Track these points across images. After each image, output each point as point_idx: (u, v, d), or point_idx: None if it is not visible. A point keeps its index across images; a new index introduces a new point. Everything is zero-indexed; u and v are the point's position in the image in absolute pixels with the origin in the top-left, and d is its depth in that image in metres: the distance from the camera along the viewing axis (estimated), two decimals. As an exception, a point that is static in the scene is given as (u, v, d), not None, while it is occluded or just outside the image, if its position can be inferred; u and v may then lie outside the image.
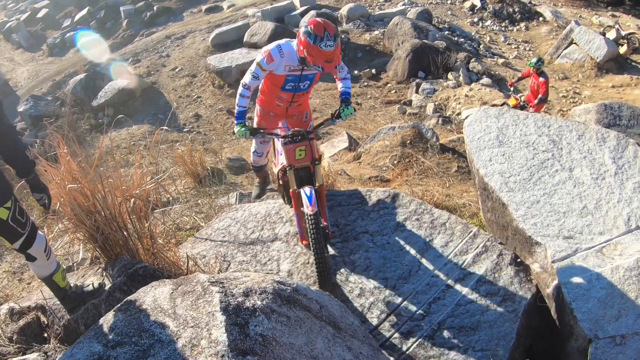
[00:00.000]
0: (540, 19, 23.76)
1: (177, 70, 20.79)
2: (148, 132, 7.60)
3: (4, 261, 5.70)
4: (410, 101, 15.57)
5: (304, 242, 4.77)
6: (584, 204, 4.58)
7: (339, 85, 5.12)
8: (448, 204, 6.94)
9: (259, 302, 2.79)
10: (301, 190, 4.54)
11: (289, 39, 4.75)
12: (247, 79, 4.81)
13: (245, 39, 20.69)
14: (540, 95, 11.74)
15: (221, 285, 2.88)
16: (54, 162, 4.38)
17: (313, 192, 4.48)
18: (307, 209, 4.35)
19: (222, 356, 2.40)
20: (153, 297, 2.91)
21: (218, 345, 2.46)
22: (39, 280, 4.08)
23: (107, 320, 2.91)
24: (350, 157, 10.36)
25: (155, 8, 29.58)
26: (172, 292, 2.91)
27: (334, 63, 4.48)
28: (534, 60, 11.93)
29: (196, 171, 7.53)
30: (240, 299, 2.78)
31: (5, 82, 21.71)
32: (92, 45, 26.25)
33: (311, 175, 4.82)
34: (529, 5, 24.78)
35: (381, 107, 15.87)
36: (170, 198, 6.31)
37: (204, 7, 28.75)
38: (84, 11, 32.05)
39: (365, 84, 17.63)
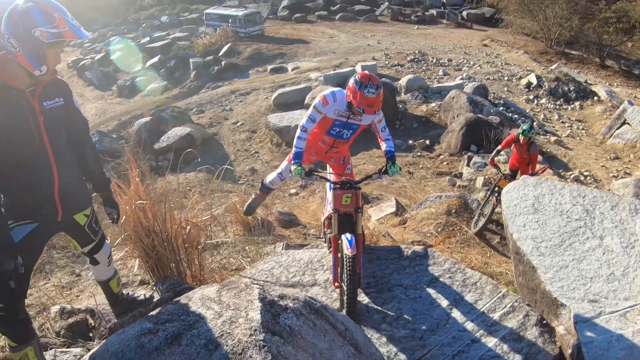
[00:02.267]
0: (595, 98, 23.79)
1: (238, 124, 21.52)
2: (204, 180, 8.03)
3: (54, 276, 6.11)
4: (461, 174, 15.72)
5: (336, 284, 5.04)
6: (611, 270, 4.72)
7: (383, 145, 5.51)
8: (485, 270, 7.09)
9: (290, 304, 3.17)
10: (342, 235, 4.89)
11: (341, 88, 5.29)
12: (304, 122, 5.31)
13: (306, 101, 21.20)
14: (530, 171, 9.91)
15: (261, 287, 3.28)
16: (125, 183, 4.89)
17: (353, 238, 4.82)
18: (347, 250, 4.66)
19: (255, 330, 2.77)
20: (201, 293, 3.31)
21: (252, 322, 2.83)
22: (89, 292, 4.49)
23: (157, 310, 3.32)
24: (396, 222, 10.58)
25: (223, 63, 30.96)
26: (218, 290, 3.31)
27: (374, 108, 4.94)
28: (525, 126, 9.89)
29: (246, 220, 7.91)
30: (275, 298, 3.17)
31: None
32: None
33: (353, 223, 5.15)
34: (584, 84, 24.90)
35: (432, 177, 16.06)
36: (220, 241, 6.67)
37: (269, 67, 29.90)
38: (156, 58, 33.67)
39: (419, 154, 17.89)
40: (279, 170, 6.19)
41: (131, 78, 31.54)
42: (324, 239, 6.08)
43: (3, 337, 4.41)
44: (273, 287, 3.39)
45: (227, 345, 2.69)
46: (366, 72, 5.04)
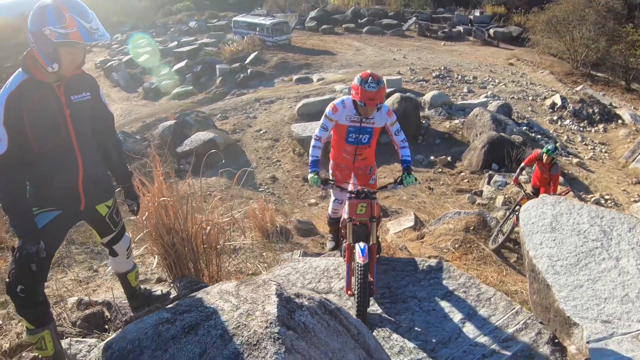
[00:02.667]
0: (619, 121, 23.66)
1: (261, 132, 21.67)
2: (225, 186, 8.13)
3: (72, 271, 6.23)
4: (481, 192, 15.67)
5: (348, 292, 5.11)
6: (626, 292, 4.73)
7: (399, 153, 5.62)
8: (500, 288, 7.07)
9: (306, 303, 3.26)
10: (356, 244, 4.97)
11: (349, 96, 5.42)
12: (317, 131, 5.48)
13: (328, 113, 21.24)
14: (552, 193, 9.79)
15: (278, 284, 3.37)
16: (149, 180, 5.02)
17: (366, 247, 4.90)
18: (359, 259, 4.75)
19: (271, 323, 2.84)
20: (219, 288, 3.40)
21: (269, 316, 2.91)
22: (106, 287, 4.59)
23: (175, 303, 3.41)
24: (413, 236, 10.60)
25: (249, 71, 31.20)
26: (236, 285, 3.42)
27: (375, 101, 5.08)
28: (550, 146, 9.97)
29: (265, 227, 8.01)
30: (291, 296, 3.26)
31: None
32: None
33: (368, 233, 5.21)
34: (609, 107, 24.78)
35: (452, 194, 16.04)
36: (238, 245, 6.77)
37: (294, 77, 30.09)
38: (182, 63, 33.95)
39: (440, 170, 17.89)
40: (332, 198, 6.23)
41: (157, 81, 31.91)
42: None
43: (20, 322, 4.56)
44: (290, 287, 3.47)
45: (242, 336, 2.78)
46: (368, 71, 5.22)
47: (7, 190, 3.28)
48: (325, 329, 3.15)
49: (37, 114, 3.24)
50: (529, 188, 10.70)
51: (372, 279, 5.01)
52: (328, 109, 5.43)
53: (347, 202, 5.40)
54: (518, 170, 10.29)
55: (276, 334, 2.76)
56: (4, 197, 3.29)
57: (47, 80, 3.30)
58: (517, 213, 9.78)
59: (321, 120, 5.49)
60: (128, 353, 2.90)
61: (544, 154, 9.76)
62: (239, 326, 2.87)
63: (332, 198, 6.19)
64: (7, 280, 3.36)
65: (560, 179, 15.97)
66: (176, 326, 2.98)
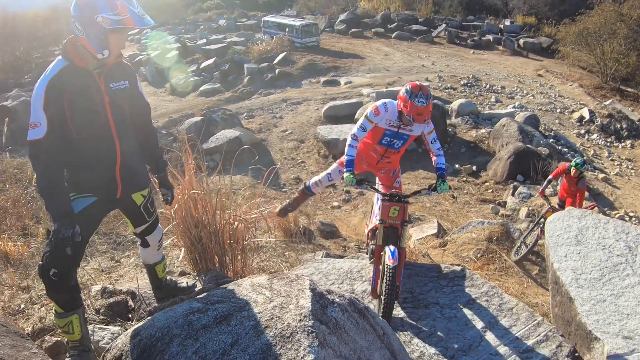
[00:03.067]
0: (647, 137, 23.42)
1: (287, 132, 21.78)
2: (249, 185, 8.22)
3: (94, 260, 6.35)
4: (505, 202, 15.62)
5: (373, 294, 5.19)
6: (648, 309, 4.74)
7: (434, 160, 5.68)
8: (521, 300, 7.10)
9: (337, 300, 3.32)
10: (386, 247, 5.04)
11: (392, 99, 5.49)
12: (355, 130, 5.50)
13: (356, 116, 21.42)
14: (577, 207, 9.72)
15: (311, 279, 3.45)
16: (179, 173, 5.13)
17: (396, 250, 4.97)
18: (389, 261, 4.82)
19: (305, 317, 2.91)
20: (251, 281, 3.47)
21: (303, 309, 2.98)
22: (128, 277, 4.68)
23: (205, 293, 3.49)
24: (436, 244, 10.63)
25: (277, 71, 31.32)
26: (269, 278, 3.49)
27: (423, 117, 5.13)
28: (578, 159, 9.95)
29: (289, 227, 8.10)
30: (323, 292, 3.33)
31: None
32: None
33: (398, 237, 5.28)
34: (637, 123, 24.50)
35: (476, 204, 16.01)
36: (263, 242, 6.85)
37: (322, 79, 30.13)
38: (211, 61, 34.20)
39: (464, 179, 17.87)
40: (327, 170, 6.32)
41: (185, 77, 32.14)
42: (365, 251, 6.20)
43: (43, 307, 4.67)
44: (320, 284, 3.54)
45: (276, 328, 2.85)
46: (417, 82, 5.24)
47: (45, 174, 3.36)
48: (354, 327, 3.22)
49: (76, 100, 3.36)
50: (554, 201, 10.69)
51: (398, 283, 5.08)
52: (369, 110, 5.46)
53: (380, 204, 5.46)
54: (545, 182, 10.32)
55: (310, 328, 2.83)
56: (42, 180, 3.37)
57: (88, 67, 3.42)
58: (541, 225, 9.79)
59: (360, 120, 5.52)
60: (156, 341, 2.97)
61: (572, 167, 9.79)
62: (272, 318, 2.94)
63: (329, 170, 6.29)
64: (40, 262, 3.44)
65: (586, 194, 15.90)
66: (208, 316, 3.05)
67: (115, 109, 3.58)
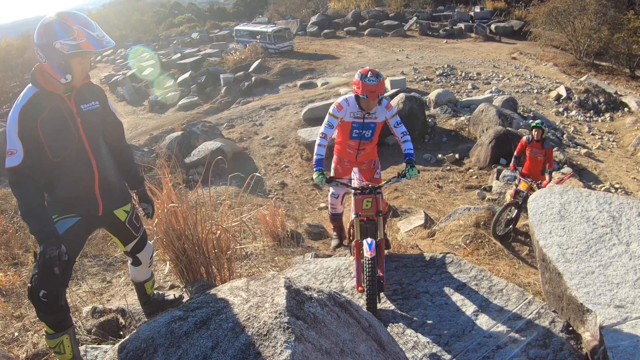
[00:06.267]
0: (625, 109, 23.61)
1: (268, 139, 21.76)
2: (234, 194, 8.14)
3: (86, 283, 6.29)
4: (491, 187, 15.66)
5: (359, 288, 5.19)
6: (638, 276, 4.71)
7: (402, 147, 5.69)
8: (512, 281, 7.08)
9: (315, 295, 3.30)
10: (364, 240, 5.04)
11: (352, 95, 5.57)
12: (323, 129, 5.57)
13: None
14: (548, 168, 10.03)
15: (286, 277, 3.42)
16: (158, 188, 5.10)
17: (374, 242, 4.97)
18: (367, 253, 4.83)
19: (280, 314, 2.89)
20: (230, 285, 3.46)
21: (278, 307, 2.96)
22: (120, 296, 4.63)
23: (187, 300, 3.44)
24: (424, 234, 10.60)
25: (253, 79, 31.37)
26: (246, 280, 3.48)
27: (376, 93, 5.23)
28: (538, 121, 10.07)
29: (276, 232, 8.04)
30: (300, 288, 3.31)
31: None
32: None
33: (375, 229, 5.27)
34: (614, 95, 24.74)
35: (462, 191, 16.02)
36: (250, 250, 6.81)
37: (299, 83, 30.21)
38: (187, 74, 34.27)
39: (448, 168, 17.87)
40: (330, 190, 6.34)
41: (162, 93, 32.09)
42: (349, 248, 6.19)
43: (35, 333, 4.61)
44: (299, 281, 3.51)
45: (253, 328, 2.83)
46: (367, 67, 5.39)
47: (26, 198, 3.36)
48: (335, 321, 3.18)
49: (50, 124, 3.37)
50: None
51: (381, 274, 5.10)
52: (332, 107, 5.53)
53: (352, 199, 5.46)
54: (512, 159, 10.51)
55: (285, 324, 2.81)
56: (24, 204, 3.37)
57: (58, 91, 3.43)
58: (516, 188, 10.17)
59: (326, 119, 5.58)
60: (142, 352, 2.95)
61: (533, 129, 9.92)
62: (249, 318, 2.92)
63: (330, 191, 6.27)
64: (30, 285, 3.43)
65: (569, 169, 15.98)
66: (188, 322, 3.03)
67: (88, 129, 3.60)
